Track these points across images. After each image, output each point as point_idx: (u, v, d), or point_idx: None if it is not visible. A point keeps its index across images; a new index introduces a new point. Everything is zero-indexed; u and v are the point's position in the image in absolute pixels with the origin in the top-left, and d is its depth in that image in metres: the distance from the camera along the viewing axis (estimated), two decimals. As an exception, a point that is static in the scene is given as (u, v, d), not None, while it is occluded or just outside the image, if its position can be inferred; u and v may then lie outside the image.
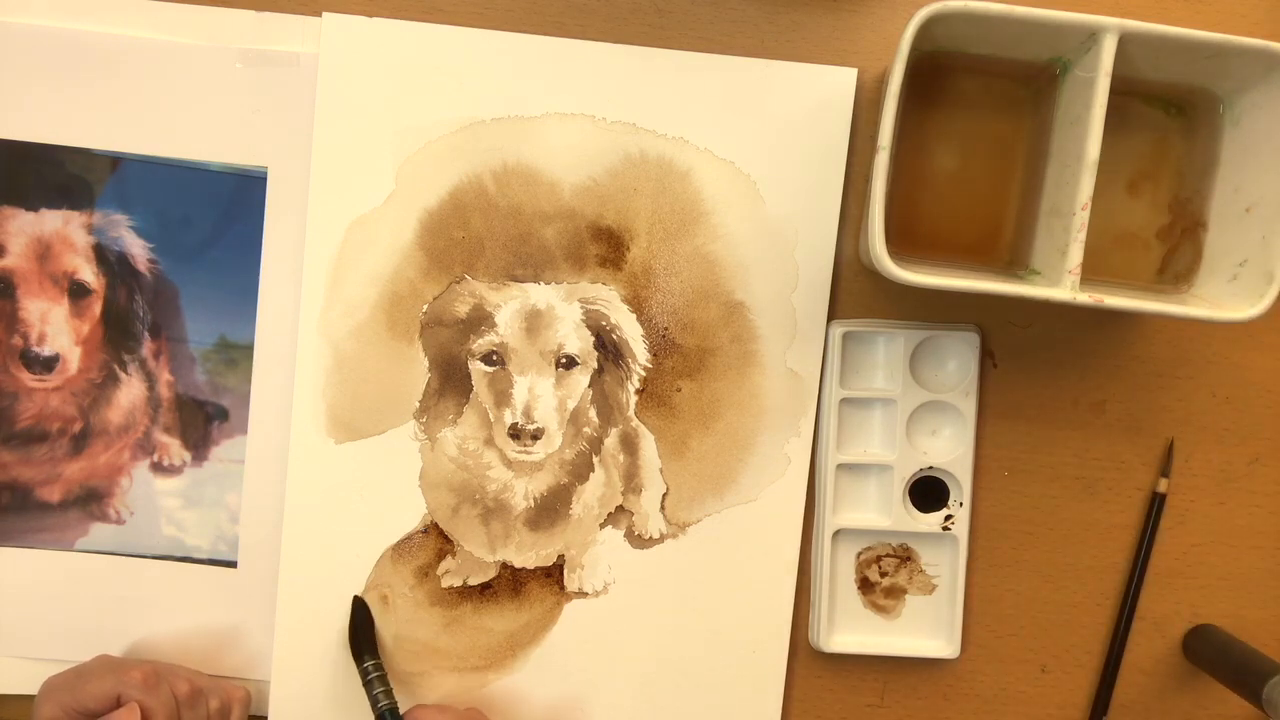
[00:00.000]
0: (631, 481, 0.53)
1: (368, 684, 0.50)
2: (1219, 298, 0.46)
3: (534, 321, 0.52)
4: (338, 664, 0.53)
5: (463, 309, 0.52)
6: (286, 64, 0.51)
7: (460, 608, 0.53)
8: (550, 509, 0.53)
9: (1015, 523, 0.54)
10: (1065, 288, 0.43)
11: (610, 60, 0.51)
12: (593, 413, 0.52)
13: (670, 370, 0.52)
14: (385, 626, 0.53)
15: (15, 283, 0.51)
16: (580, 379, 0.52)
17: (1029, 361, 0.53)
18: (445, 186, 0.51)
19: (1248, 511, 0.54)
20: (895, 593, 0.54)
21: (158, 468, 0.53)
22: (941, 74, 0.48)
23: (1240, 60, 0.43)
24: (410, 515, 0.53)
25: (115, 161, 0.51)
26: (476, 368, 0.52)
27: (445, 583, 0.53)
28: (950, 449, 0.52)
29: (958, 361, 0.52)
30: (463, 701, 0.53)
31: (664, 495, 0.53)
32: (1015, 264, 0.49)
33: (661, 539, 0.53)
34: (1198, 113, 0.48)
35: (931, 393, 0.52)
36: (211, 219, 0.52)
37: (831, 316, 0.52)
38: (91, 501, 0.53)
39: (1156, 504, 0.53)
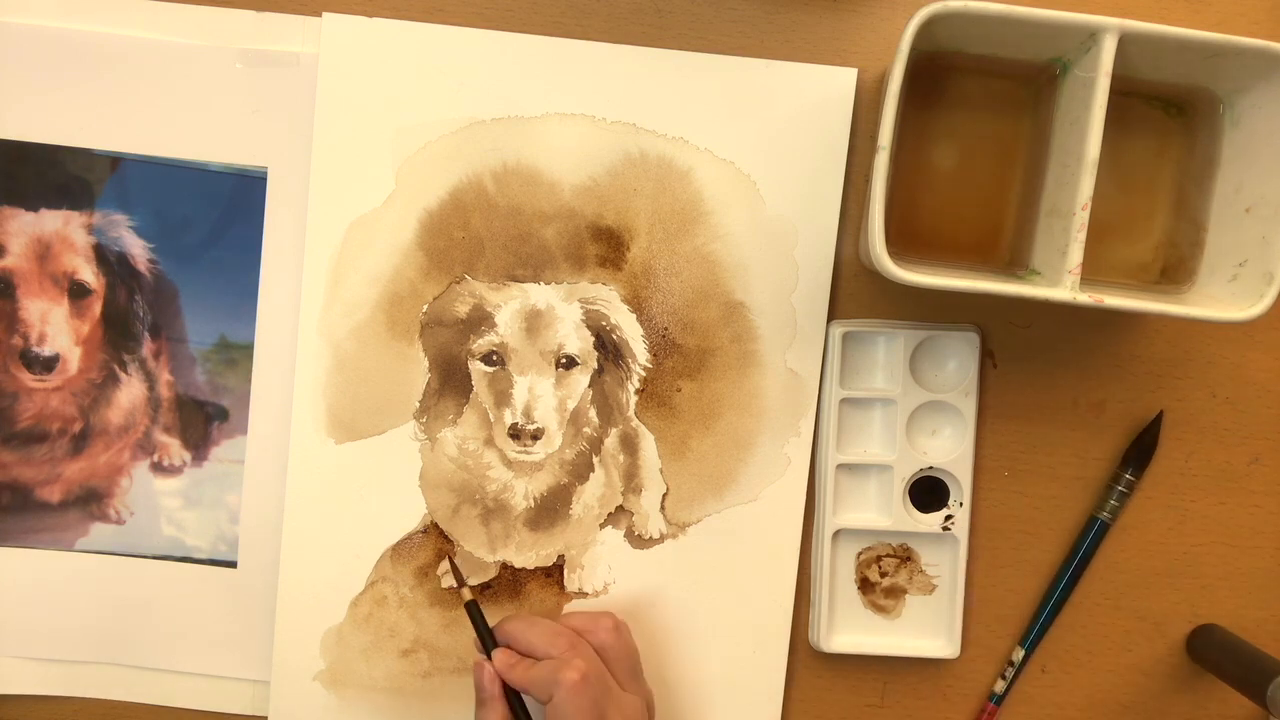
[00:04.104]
0: (631, 481, 0.53)
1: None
2: (1219, 298, 0.46)
3: (534, 321, 0.52)
4: (336, 664, 0.53)
5: (463, 309, 0.52)
6: (286, 64, 0.51)
7: (460, 608, 0.53)
8: (550, 509, 0.53)
9: (1015, 523, 0.54)
10: (1065, 288, 0.43)
11: (610, 60, 0.51)
12: (593, 413, 0.52)
13: (670, 370, 0.52)
14: (384, 626, 0.53)
15: (15, 283, 0.51)
16: (580, 379, 0.52)
17: (1029, 361, 0.53)
18: (445, 186, 0.51)
19: (1248, 511, 0.54)
20: (895, 593, 0.54)
21: (158, 468, 0.53)
22: (941, 74, 0.48)
23: (1240, 60, 0.43)
24: (410, 515, 0.53)
25: (115, 161, 0.51)
26: (476, 368, 0.52)
27: (445, 583, 0.53)
28: (950, 449, 0.52)
29: (958, 361, 0.52)
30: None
31: (664, 495, 0.53)
32: (1015, 264, 0.49)
33: (661, 539, 0.53)
34: (1198, 113, 0.48)
35: (931, 393, 0.52)
36: (211, 219, 0.52)
37: (831, 316, 0.52)
38: (91, 501, 0.53)
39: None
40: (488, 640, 0.49)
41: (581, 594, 0.53)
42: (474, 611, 0.50)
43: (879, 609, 0.54)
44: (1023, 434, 0.53)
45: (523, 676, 0.47)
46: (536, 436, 0.52)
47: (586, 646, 0.47)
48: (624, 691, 0.47)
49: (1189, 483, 0.54)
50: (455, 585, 0.52)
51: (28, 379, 0.52)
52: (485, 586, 0.53)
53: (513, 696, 0.48)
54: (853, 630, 0.54)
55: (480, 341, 0.52)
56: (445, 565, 0.53)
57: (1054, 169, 0.46)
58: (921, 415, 0.52)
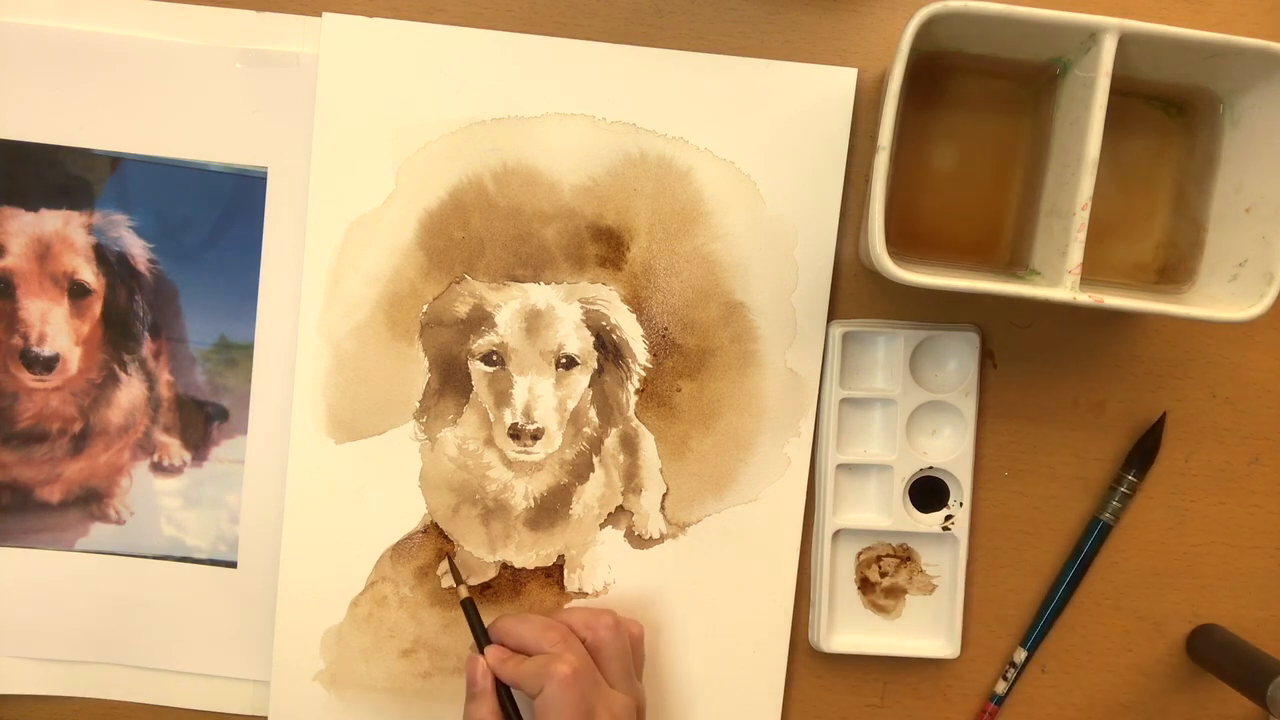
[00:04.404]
0: (631, 482, 0.53)
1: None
2: (1219, 298, 0.46)
3: (534, 321, 0.52)
4: (336, 664, 0.53)
5: (463, 309, 0.52)
6: (286, 64, 0.51)
7: (460, 608, 0.53)
8: (550, 509, 0.53)
9: (1015, 523, 0.54)
10: (1065, 288, 0.43)
11: (610, 60, 0.51)
12: (593, 413, 0.52)
13: (670, 370, 0.52)
14: (384, 626, 0.53)
15: (15, 283, 0.51)
16: (580, 379, 0.52)
17: (1029, 361, 0.53)
18: (445, 186, 0.51)
19: (1248, 511, 0.54)
20: (895, 593, 0.54)
21: (158, 468, 0.53)
22: (941, 74, 0.48)
23: (1240, 60, 0.43)
24: (410, 515, 0.53)
25: (115, 161, 0.51)
26: (476, 368, 0.52)
27: (445, 583, 0.53)
28: (950, 449, 0.52)
29: (958, 361, 0.52)
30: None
31: (664, 495, 0.53)
32: (1015, 264, 0.49)
33: (661, 539, 0.53)
34: (1198, 113, 0.48)
35: (931, 393, 0.52)
36: (211, 219, 0.52)
37: (831, 316, 0.52)
38: (91, 501, 0.53)
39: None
40: (482, 638, 0.50)
41: (581, 594, 0.53)
42: (470, 609, 0.50)
43: (879, 609, 0.54)
44: (1023, 434, 0.53)
45: (514, 671, 0.47)
46: (536, 436, 0.52)
47: (577, 642, 0.47)
48: (614, 690, 0.47)
49: (1189, 483, 0.54)
50: (454, 584, 0.52)
51: (28, 379, 0.52)
52: (485, 587, 0.53)
53: (503, 691, 0.48)
54: (853, 630, 0.54)
55: (480, 341, 0.52)
56: (445, 565, 0.53)
57: (1054, 169, 0.46)
58: (921, 415, 0.52)
